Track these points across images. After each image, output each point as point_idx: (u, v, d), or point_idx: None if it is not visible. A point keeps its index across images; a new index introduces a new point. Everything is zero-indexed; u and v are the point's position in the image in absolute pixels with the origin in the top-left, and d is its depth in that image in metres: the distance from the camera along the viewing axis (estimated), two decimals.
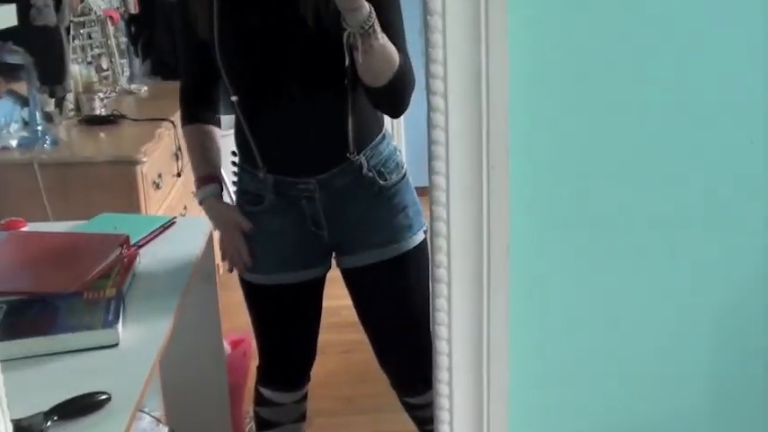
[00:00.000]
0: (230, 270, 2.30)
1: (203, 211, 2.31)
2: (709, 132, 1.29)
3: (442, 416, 1.32)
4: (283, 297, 2.24)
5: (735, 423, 1.41)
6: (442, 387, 1.31)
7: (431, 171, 1.23)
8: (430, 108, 1.20)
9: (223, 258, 2.30)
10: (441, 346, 1.30)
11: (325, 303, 2.36)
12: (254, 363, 2.93)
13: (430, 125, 1.20)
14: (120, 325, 1.96)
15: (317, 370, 2.56)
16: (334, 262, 2.29)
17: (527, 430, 1.35)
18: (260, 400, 2.42)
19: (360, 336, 3.17)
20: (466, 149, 1.19)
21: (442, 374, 1.31)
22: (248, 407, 2.98)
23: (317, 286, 2.28)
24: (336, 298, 2.81)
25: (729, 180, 1.31)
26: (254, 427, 2.91)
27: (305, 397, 2.45)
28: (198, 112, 2.25)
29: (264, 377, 2.41)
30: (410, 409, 2.38)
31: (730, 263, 1.33)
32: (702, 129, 1.29)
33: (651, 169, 1.29)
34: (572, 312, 1.32)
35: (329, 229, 2.16)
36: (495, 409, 1.29)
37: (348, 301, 2.64)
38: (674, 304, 1.34)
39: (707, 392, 1.38)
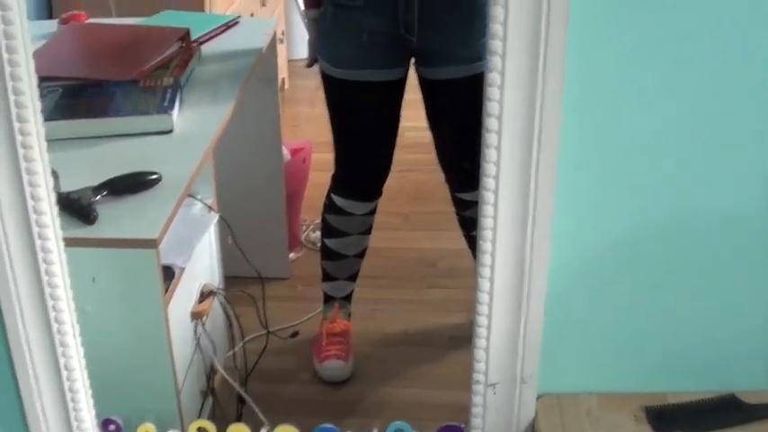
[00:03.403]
0: (309, 64, 2.32)
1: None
2: None
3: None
4: (366, 94, 2.22)
5: None
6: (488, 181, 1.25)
7: None
8: None
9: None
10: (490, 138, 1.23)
11: None
12: (313, 171, 2.94)
13: None
14: (175, 112, 1.93)
15: None
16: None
17: (571, 224, 1.29)
18: (331, 208, 2.42)
19: (419, 156, 3.14)
20: None
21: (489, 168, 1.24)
22: (305, 215, 3.00)
23: (396, 89, 2.24)
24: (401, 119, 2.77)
25: None
26: (310, 234, 2.95)
27: (374, 210, 2.44)
28: None
29: (340, 185, 2.39)
30: (462, 207, 2.38)
31: None
32: None
33: None
34: (626, 95, 1.24)
35: (419, 36, 2.11)
36: (542, 195, 1.23)
37: (411, 123, 2.59)
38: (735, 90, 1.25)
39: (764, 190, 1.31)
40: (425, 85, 2.24)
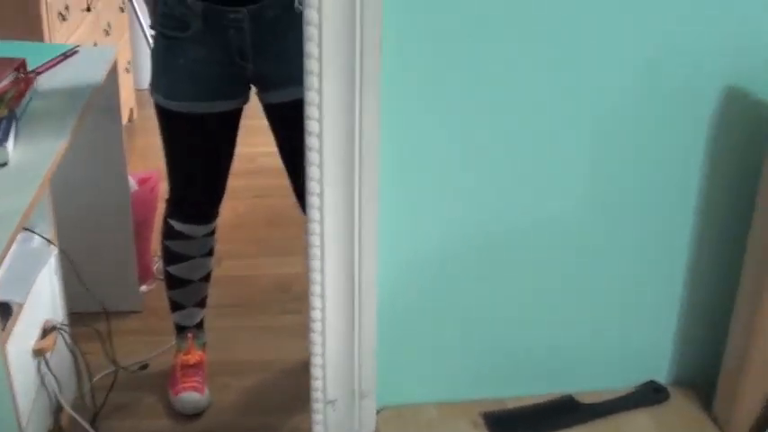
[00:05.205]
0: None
1: None
2: None
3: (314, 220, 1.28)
4: (201, 126, 2.19)
5: (608, 226, 1.41)
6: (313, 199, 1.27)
7: None
8: None
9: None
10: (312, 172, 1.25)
11: (241, 150, 2.32)
12: (162, 201, 2.90)
13: None
14: (10, 144, 1.88)
15: (229, 214, 2.52)
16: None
17: (396, 238, 1.33)
18: (170, 234, 2.38)
19: (272, 181, 3.12)
20: None
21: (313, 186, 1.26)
22: (156, 246, 2.95)
23: (234, 117, 2.23)
24: (253, 145, 2.76)
25: None
26: (161, 265, 2.90)
27: (213, 231, 2.42)
28: None
29: (175, 209, 2.36)
30: None
31: (607, 72, 1.30)
32: None
33: None
34: (445, 111, 1.28)
35: (254, 62, 2.11)
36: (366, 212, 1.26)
37: (263, 149, 2.57)
38: (554, 111, 1.31)
39: (583, 197, 1.37)
40: (269, 110, 2.23)
